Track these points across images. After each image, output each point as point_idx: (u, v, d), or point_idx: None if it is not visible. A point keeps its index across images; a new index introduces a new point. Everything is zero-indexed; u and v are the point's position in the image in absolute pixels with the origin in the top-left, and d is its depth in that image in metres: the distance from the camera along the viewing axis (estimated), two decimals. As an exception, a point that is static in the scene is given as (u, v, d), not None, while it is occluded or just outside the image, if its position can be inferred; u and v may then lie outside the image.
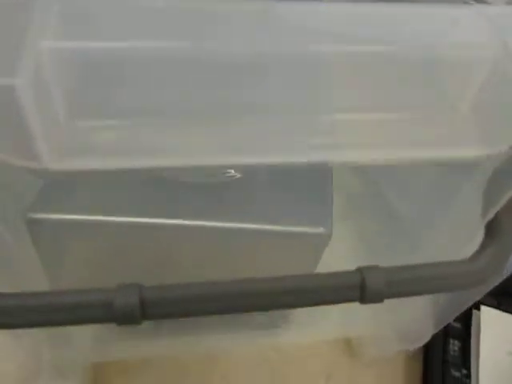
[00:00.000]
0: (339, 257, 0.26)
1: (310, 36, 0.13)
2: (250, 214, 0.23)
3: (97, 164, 0.12)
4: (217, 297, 0.15)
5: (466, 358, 0.34)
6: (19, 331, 0.30)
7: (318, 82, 0.13)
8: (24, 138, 0.11)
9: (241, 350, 0.37)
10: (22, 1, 0.12)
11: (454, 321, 0.36)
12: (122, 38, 0.12)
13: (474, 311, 0.36)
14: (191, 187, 0.24)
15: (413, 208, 0.26)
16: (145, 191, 0.24)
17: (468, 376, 0.33)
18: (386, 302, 0.34)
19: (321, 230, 0.23)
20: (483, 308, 0.36)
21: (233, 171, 0.24)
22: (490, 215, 0.16)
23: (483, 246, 0.16)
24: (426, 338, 0.35)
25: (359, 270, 0.16)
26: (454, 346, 0.35)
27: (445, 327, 0.35)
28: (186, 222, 0.22)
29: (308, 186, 0.25)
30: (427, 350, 0.36)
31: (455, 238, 0.21)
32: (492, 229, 0.17)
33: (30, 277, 0.24)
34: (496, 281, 0.21)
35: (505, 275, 0.19)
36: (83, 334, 0.34)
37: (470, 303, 0.30)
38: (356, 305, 0.38)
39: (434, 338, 0.35)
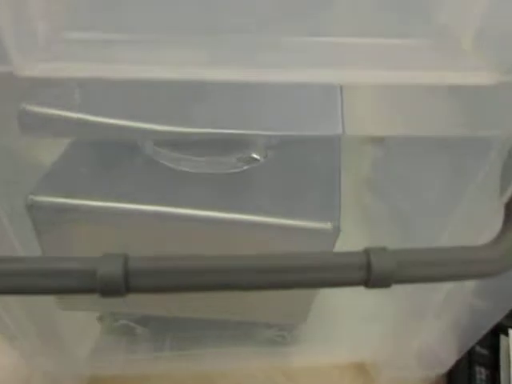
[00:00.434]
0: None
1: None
2: (256, 207, 0.22)
3: (70, 71, 0.11)
4: (207, 270, 0.14)
5: (495, 388, 0.31)
6: (13, 332, 0.29)
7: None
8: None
9: (248, 369, 0.34)
10: None
11: (481, 347, 0.33)
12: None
13: (502, 336, 0.33)
14: (198, 177, 0.23)
15: (427, 195, 0.25)
16: (150, 179, 0.23)
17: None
18: (404, 319, 0.32)
19: (328, 225, 0.22)
20: (512, 333, 0.33)
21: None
22: (508, 194, 0.15)
23: (505, 228, 0.15)
24: (449, 364, 0.32)
25: (366, 250, 0.15)
26: (481, 374, 0.32)
27: (470, 353, 0.32)
28: (191, 212, 0.22)
29: (316, 180, 0.24)
30: (451, 378, 0.33)
31: (471, 224, 0.19)
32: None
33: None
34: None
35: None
36: (82, 344, 0.33)
37: (494, 322, 0.28)
38: (370, 324, 0.35)
39: (458, 364, 0.32)
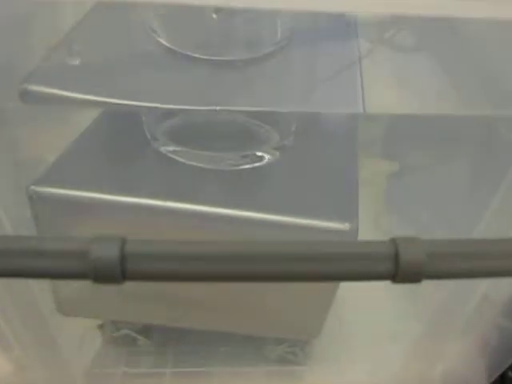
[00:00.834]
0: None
1: None
2: (270, 205, 0.21)
3: None
4: (217, 256, 0.13)
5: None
6: (9, 343, 0.28)
7: None
8: None
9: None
10: None
11: (513, 372, 0.30)
12: None
13: (537, 361, 0.30)
14: (213, 173, 0.22)
15: (460, 188, 0.23)
16: (158, 173, 0.22)
17: None
18: (428, 339, 0.29)
19: (346, 225, 0.20)
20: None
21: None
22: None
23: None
24: (478, 391, 0.30)
25: (393, 239, 0.13)
26: (514, 403, 0.29)
27: (502, 379, 0.29)
28: (202, 209, 0.20)
29: (332, 179, 0.23)
30: (479, 407, 0.30)
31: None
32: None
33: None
34: None
35: None
36: (80, 355, 0.31)
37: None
38: (390, 343, 0.33)
39: (489, 392, 0.29)
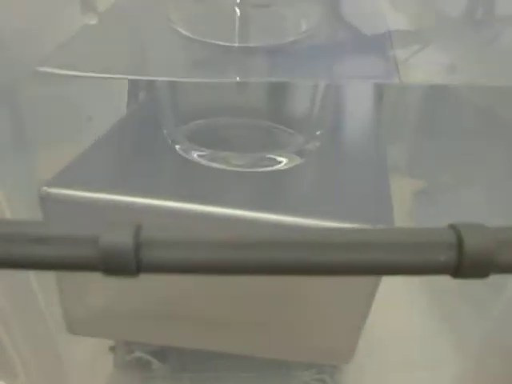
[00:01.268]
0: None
1: None
2: (302, 208, 0.20)
3: None
4: (244, 243, 0.11)
5: None
6: (15, 368, 0.26)
7: None
8: None
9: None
10: None
11: None
12: None
13: None
14: (238, 175, 0.21)
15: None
16: (176, 176, 0.21)
17: None
18: (479, 367, 0.26)
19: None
20: None
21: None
22: None
23: None
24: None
25: (453, 226, 0.11)
26: None
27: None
28: (226, 211, 0.19)
29: (364, 181, 0.21)
30: None
31: None
32: None
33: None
34: None
35: None
36: (90, 381, 0.29)
37: None
38: (433, 371, 0.30)
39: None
